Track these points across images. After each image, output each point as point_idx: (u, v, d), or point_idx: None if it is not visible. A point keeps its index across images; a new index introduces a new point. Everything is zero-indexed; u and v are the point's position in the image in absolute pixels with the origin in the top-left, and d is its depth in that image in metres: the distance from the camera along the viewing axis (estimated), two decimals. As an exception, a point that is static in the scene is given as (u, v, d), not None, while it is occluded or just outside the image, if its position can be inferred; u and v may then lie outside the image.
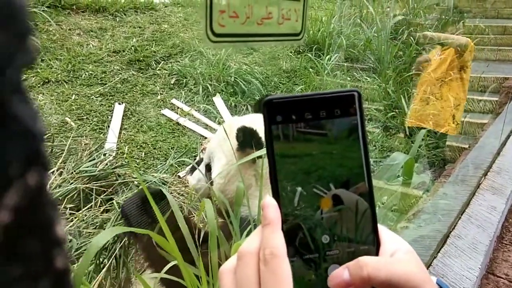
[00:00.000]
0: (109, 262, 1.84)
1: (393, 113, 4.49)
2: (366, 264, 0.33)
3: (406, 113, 4.14)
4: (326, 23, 5.90)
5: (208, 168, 1.61)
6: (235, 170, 1.46)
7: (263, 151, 1.25)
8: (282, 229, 0.35)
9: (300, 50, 5.88)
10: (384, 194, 1.84)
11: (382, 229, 0.38)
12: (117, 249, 1.81)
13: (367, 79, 5.04)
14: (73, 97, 4.33)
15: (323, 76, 5.14)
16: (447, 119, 3.60)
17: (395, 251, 0.36)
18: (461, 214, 1.97)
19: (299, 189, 0.36)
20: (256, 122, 1.45)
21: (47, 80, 4.47)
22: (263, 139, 1.38)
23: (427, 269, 1.53)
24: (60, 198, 2.53)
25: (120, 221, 2.32)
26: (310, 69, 5.36)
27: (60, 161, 2.82)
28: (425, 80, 3.76)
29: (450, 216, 1.93)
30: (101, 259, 1.85)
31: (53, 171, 2.74)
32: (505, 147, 2.84)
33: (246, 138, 1.39)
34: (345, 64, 5.42)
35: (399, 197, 1.94)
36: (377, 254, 0.36)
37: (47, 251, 0.17)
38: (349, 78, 5.23)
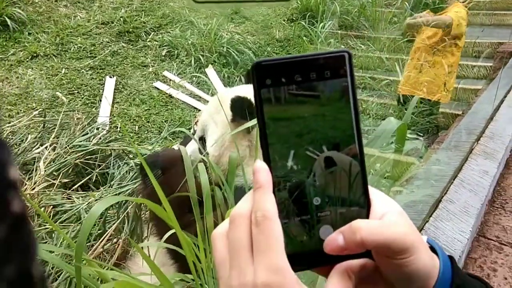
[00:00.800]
0: (112, 229, 1.87)
1: (388, 80, 4.46)
2: (360, 228, 0.34)
3: (400, 81, 4.12)
4: (319, -10, 5.75)
5: (202, 140, 1.60)
6: (229, 141, 1.45)
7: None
8: (274, 193, 0.35)
9: (293, 18, 5.76)
10: (377, 161, 1.85)
11: (373, 191, 0.38)
12: (131, 215, 1.81)
13: (361, 46, 4.98)
14: (63, 71, 4.25)
15: (317, 44, 5.07)
16: (440, 86, 3.58)
17: (386, 213, 0.36)
18: (454, 179, 1.99)
19: (291, 152, 0.35)
20: (249, 92, 1.43)
21: (35, 54, 4.38)
22: None
23: (419, 232, 1.57)
24: (55, 173, 2.53)
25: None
26: (304, 38, 5.28)
27: (53, 136, 2.79)
28: (419, 47, 3.71)
29: (442, 181, 1.95)
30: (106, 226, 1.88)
31: (46, 146, 2.73)
32: (498, 112, 2.85)
33: (240, 108, 1.37)
34: (339, 31, 5.34)
35: (391, 164, 1.95)
36: (367, 215, 0.36)
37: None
38: (343, 46, 5.16)
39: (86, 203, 2.21)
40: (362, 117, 3.93)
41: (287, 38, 5.39)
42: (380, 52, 4.72)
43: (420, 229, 1.57)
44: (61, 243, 1.92)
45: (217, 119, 1.51)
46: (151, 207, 1.01)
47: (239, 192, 1.26)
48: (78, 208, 2.16)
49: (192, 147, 1.67)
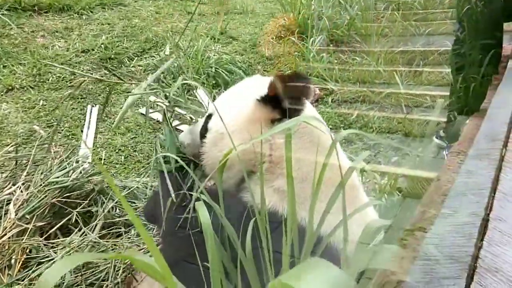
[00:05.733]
0: None
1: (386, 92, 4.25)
2: None
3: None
4: (306, 6, 5.60)
5: (209, 118, 1.33)
6: (242, 124, 1.16)
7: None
8: None
9: (282, 35, 5.58)
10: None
11: None
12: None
13: (356, 59, 4.80)
14: (40, 103, 3.95)
15: (308, 60, 4.87)
16: None
17: None
18: (494, 193, 1.70)
19: None
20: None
21: (10, 87, 4.09)
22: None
23: (476, 262, 1.26)
24: (28, 216, 2.18)
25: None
26: (295, 53, 5.08)
27: (25, 173, 2.46)
28: None
29: (481, 196, 1.66)
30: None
31: (19, 186, 2.39)
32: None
33: (287, 90, 1.07)
34: (331, 46, 5.16)
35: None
36: None
37: None
38: (336, 60, 4.97)
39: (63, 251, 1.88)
40: (366, 131, 3.68)
41: (277, 55, 5.19)
42: (377, 64, 4.53)
43: (476, 257, 1.26)
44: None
45: (239, 97, 1.26)
46: (135, 265, 0.70)
47: (245, 209, 0.92)
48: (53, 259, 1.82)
49: (189, 128, 1.47)
